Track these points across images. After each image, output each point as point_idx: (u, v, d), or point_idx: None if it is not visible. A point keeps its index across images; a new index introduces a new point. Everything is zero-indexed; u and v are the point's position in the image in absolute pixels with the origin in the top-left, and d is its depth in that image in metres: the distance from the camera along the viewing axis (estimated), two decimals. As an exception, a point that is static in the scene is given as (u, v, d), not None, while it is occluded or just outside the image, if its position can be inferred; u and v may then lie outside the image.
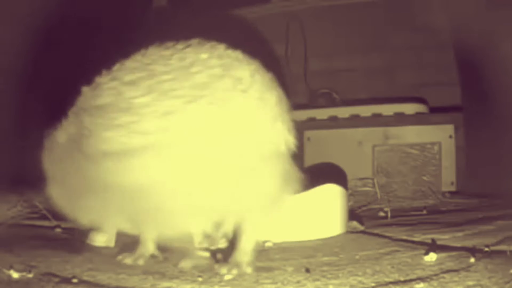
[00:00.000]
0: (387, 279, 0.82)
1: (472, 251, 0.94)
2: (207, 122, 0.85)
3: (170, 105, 0.86)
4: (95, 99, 0.93)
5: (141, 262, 0.98)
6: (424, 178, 1.87)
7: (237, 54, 0.95)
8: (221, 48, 0.95)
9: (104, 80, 0.95)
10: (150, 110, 0.86)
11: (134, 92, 0.89)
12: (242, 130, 0.87)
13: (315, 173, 1.20)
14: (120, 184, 0.87)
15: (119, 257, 1.00)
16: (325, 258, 0.99)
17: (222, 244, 1.11)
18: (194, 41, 0.96)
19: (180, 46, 0.95)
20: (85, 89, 0.98)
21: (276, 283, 0.83)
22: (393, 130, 1.94)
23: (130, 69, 0.93)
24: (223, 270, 0.90)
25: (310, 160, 1.97)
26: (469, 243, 1.05)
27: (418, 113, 1.98)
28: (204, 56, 0.92)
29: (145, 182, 0.86)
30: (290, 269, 0.91)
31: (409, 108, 1.98)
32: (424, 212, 1.50)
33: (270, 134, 0.90)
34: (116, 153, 0.87)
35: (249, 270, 0.90)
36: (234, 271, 0.89)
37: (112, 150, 0.87)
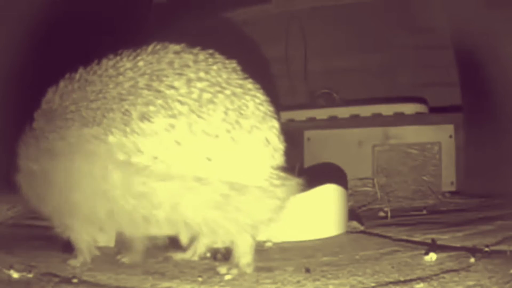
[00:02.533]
0: (387, 279, 0.82)
1: (472, 251, 0.95)
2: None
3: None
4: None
5: (137, 259, 0.98)
6: (424, 178, 1.87)
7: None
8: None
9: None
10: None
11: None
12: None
13: (315, 173, 1.20)
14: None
15: (119, 256, 1.00)
16: (325, 258, 0.99)
17: (223, 244, 1.11)
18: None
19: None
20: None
21: (276, 283, 0.83)
22: (393, 130, 1.94)
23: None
24: (223, 269, 0.90)
25: (310, 160, 1.97)
26: (469, 243, 1.05)
27: (418, 113, 1.97)
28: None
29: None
30: (290, 269, 0.91)
31: (409, 108, 1.98)
32: (424, 212, 1.50)
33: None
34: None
35: (249, 270, 0.90)
36: (234, 271, 0.89)
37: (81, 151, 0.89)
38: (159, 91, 0.88)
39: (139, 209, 0.88)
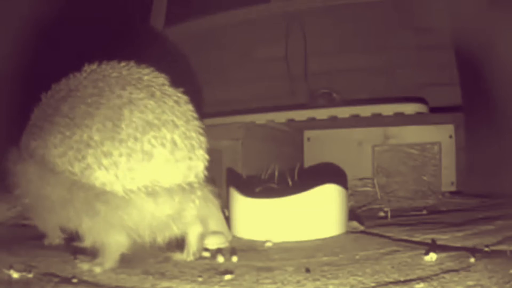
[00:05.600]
0: (387, 279, 0.82)
1: (472, 251, 0.94)
2: None
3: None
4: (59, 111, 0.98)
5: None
6: (424, 178, 1.87)
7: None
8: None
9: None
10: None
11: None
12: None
13: (315, 173, 1.19)
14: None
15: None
16: (325, 258, 0.99)
17: (223, 244, 1.11)
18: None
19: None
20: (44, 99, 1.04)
21: (276, 283, 0.83)
22: (393, 130, 1.94)
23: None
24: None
25: (310, 160, 1.97)
26: (469, 243, 1.04)
27: (418, 113, 1.97)
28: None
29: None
30: (290, 269, 0.91)
31: (409, 108, 1.98)
32: (424, 212, 1.50)
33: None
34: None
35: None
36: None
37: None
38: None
39: None
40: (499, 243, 1.02)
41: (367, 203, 1.65)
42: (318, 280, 0.84)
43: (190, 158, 0.94)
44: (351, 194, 1.65)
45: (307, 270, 0.89)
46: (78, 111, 0.94)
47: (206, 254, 1.03)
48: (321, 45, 2.36)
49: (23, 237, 1.22)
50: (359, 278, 0.83)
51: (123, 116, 0.91)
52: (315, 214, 1.19)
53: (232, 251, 1.05)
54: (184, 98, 0.99)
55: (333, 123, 2.02)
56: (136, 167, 0.90)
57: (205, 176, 0.98)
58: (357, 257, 0.99)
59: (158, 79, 0.99)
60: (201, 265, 0.96)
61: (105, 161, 0.89)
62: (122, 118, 0.91)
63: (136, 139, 0.90)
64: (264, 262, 0.97)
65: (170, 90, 0.98)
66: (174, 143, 0.92)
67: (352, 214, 1.35)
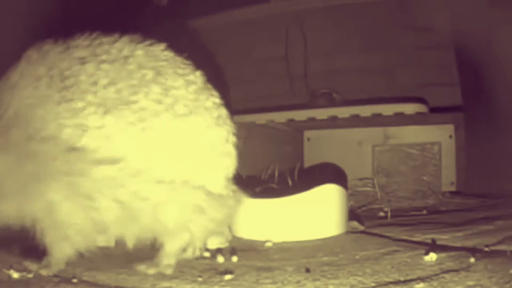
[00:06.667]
0: (387, 279, 0.82)
1: (472, 251, 0.94)
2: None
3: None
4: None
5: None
6: (424, 178, 1.87)
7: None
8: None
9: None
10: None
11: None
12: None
13: (315, 173, 1.19)
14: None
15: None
16: (325, 258, 0.99)
17: (223, 244, 1.11)
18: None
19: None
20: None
21: (276, 283, 0.83)
22: (393, 130, 1.94)
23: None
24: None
25: (310, 160, 1.97)
26: (469, 243, 1.04)
27: (418, 113, 1.98)
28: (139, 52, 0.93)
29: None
30: (290, 269, 0.91)
31: (409, 108, 1.98)
32: (424, 212, 1.50)
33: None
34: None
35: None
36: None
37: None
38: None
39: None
40: (499, 243, 1.02)
41: (367, 203, 1.65)
42: (318, 280, 0.84)
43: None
44: (351, 194, 1.65)
45: (307, 270, 0.89)
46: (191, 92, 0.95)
47: (206, 254, 1.03)
48: (321, 45, 2.36)
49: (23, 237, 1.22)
50: (359, 278, 0.83)
51: (222, 115, 0.96)
52: (315, 214, 1.19)
53: (232, 251, 1.05)
54: None
55: (333, 123, 2.02)
56: (222, 165, 0.94)
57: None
58: (357, 257, 0.99)
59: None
60: (201, 265, 0.96)
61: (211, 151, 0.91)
62: (222, 116, 0.96)
63: (227, 141, 0.95)
64: (264, 262, 0.97)
65: None
66: (237, 149, 0.97)
67: (352, 214, 1.35)
